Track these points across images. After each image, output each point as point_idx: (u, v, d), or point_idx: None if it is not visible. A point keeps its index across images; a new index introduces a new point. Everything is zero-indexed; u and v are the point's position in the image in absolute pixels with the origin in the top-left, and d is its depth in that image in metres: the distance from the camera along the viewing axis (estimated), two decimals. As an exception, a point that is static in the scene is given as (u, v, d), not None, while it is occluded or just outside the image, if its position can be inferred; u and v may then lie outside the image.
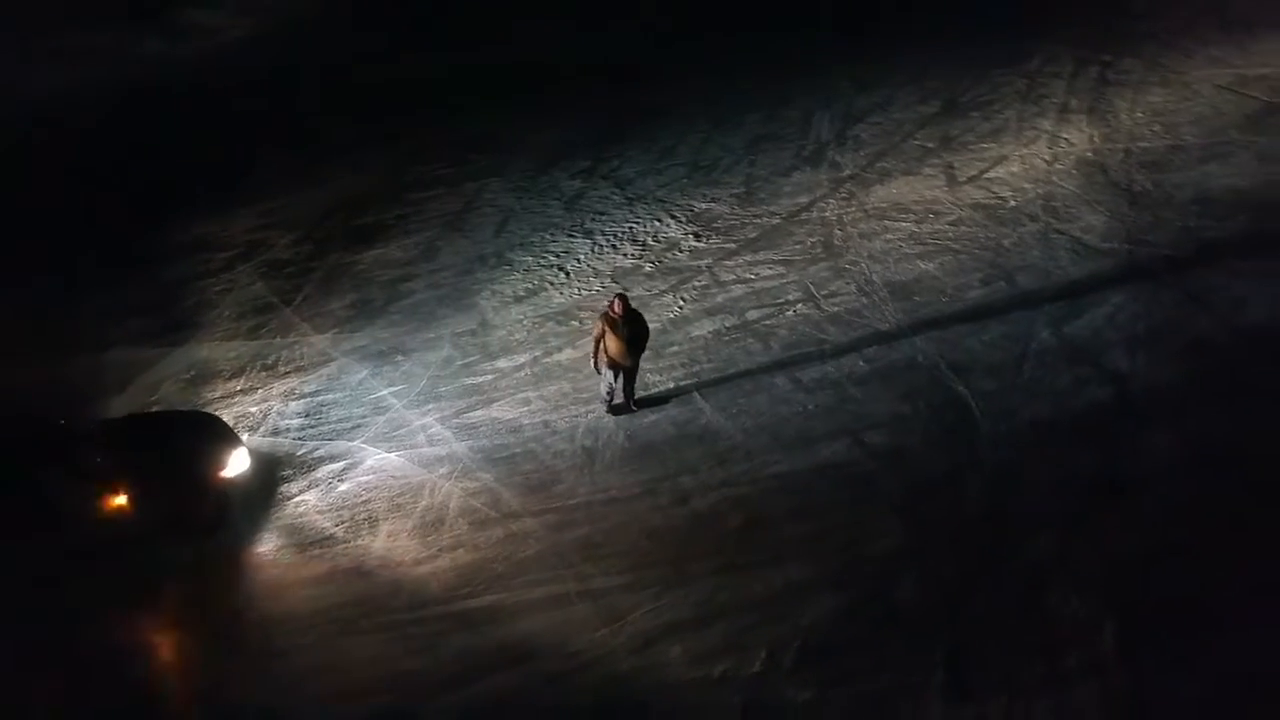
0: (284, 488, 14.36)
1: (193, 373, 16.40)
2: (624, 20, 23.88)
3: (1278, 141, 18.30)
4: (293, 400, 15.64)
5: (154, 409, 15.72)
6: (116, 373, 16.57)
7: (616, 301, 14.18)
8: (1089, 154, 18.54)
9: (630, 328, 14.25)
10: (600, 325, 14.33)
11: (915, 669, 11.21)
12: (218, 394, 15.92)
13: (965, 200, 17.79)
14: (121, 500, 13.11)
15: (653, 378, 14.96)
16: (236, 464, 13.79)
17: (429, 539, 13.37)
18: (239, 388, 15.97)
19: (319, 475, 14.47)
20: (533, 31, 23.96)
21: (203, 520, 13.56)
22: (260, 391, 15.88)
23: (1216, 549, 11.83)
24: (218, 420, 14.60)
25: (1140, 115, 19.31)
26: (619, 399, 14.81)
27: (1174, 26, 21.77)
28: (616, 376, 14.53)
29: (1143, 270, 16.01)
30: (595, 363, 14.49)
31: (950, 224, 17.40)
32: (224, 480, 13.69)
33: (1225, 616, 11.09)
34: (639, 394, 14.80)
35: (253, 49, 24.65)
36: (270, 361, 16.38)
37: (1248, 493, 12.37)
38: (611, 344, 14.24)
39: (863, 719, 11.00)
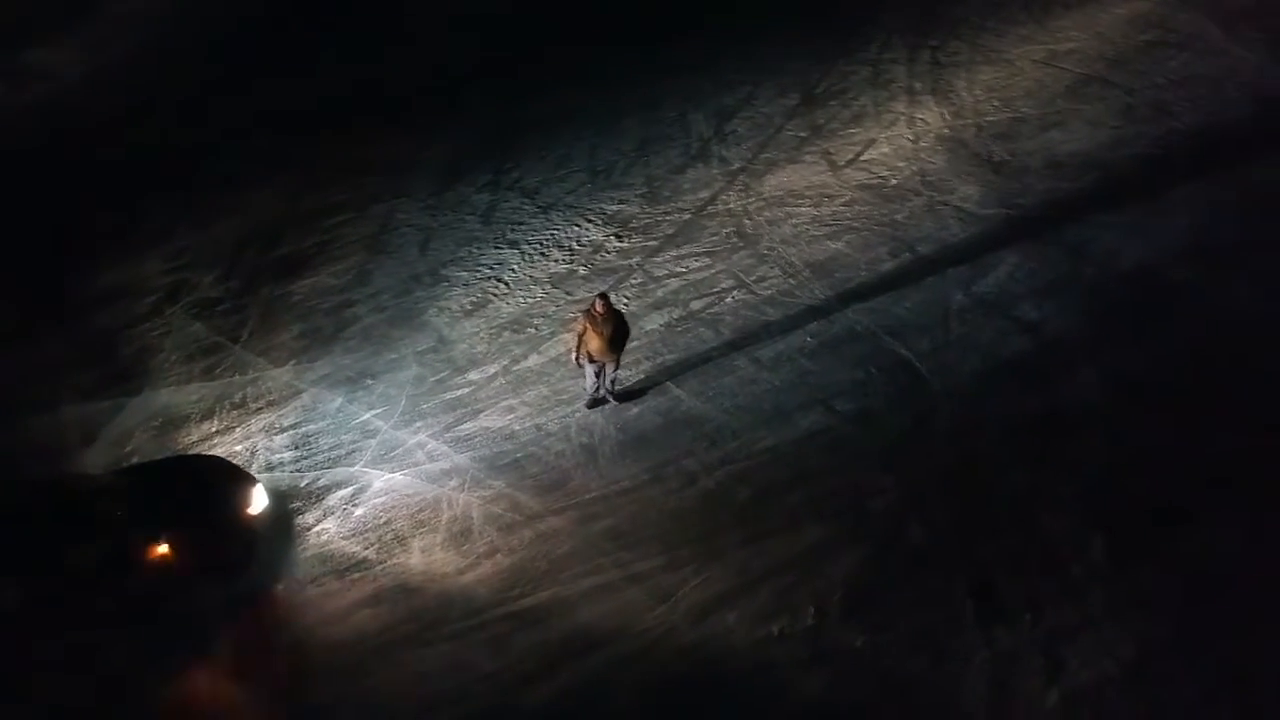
0: (299, 520, 14.77)
1: (160, 420, 16.59)
2: (485, 37, 24.54)
3: (1099, 108, 20.62)
4: (276, 435, 16.09)
5: (134, 459, 15.82)
6: (76, 428, 16.63)
7: (598, 301, 15.20)
8: (945, 131, 20.51)
9: (610, 326, 15.18)
10: (582, 323, 15.31)
11: (947, 602, 12.85)
12: (194, 437, 16.21)
13: (850, 182, 19.53)
14: (161, 549, 13.37)
15: (623, 373, 16.12)
16: (258, 501, 14.27)
17: (463, 549, 14.20)
18: (215, 429, 16.29)
19: (331, 504, 15.05)
20: (397, 52, 24.31)
21: (236, 560, 13.97)
22: (239, 430, 16.23)
23: (1166, 459, 13.99)
24: (226, 461, 15.01)
25: (979, 93, 21.42)
26: (601, 392, 15.84)
27: (983, 9, 23.95)
28: (598, 373, 15.47)
29: (1023, 231, 18.08)
30: (576, 357, 15.44)
31: (844, 205, 19.09)
32: (250, 518, 14.15)
33: (1192, 511, 13.07)
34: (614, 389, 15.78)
35: (100, 88, 24.30)
36: (237, 400, 16.70)
37: (1173, 411, 14.54)
38: (593, 341, 15.24)
39: (916, 653, 12.44)
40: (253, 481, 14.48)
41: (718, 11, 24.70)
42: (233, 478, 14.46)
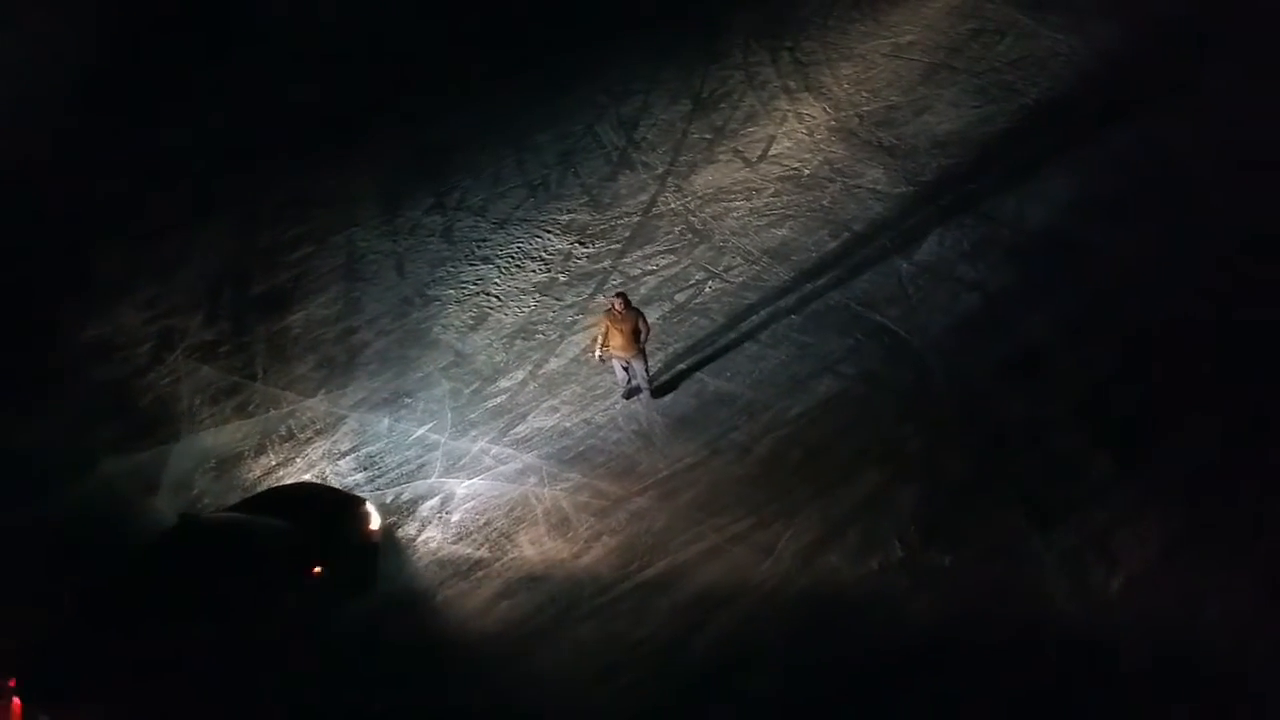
0: (400, 533, 16.24)
1: (214, 461, 17.41)
2: (375, 69, 25.75)
3: (955, 91, 23.91)
4: (339, 460, 17.29)
5: (206, 500, 16.75)
6: (128, 482, 17.29)
7: (617, 300, 16.89)
8: (833, 123, 23.38)
9: (630, 323, 16.88)
10: (603, 322, 16.98)
11: (1002, 519, 15.56)
12: (256, 473, 17.22)
13: (770, 176, 22.08)
14: (315, 571, 14.67)
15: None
16: (374, 518, 15.71)
17: (568, 536, 15.98)
18: (274, 462, 17.31)
19: (424, 514, 16.47)
20: (294, 87, 25.14)
21: (369, 576, 15.40)
22: (299, 460, 17.34)
23: (1124, 381, 17.02)
24: (328, 485, 16.24)
25: (847, 87, 24.39)
26: (638, 383, 17.60)
27: (819, 10, 26.88)
28: (625, 367, 17.41)
29: (935, 204, 20.94)
30: (600, 355, 17.11)
31: (772, 196, 21.62)
32: (372, 534, 15.58)
33: (1171, 418, 16.31)
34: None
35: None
36: (284, 433, 17.76)
37: (1112, 341, 17.71)
38: (615, 339, 16.91)
39: (996, 563, 15.13)
40: (362, 500, 15.65)
41: (591, 29, 26.68)
42: (345, 499, 15.57)
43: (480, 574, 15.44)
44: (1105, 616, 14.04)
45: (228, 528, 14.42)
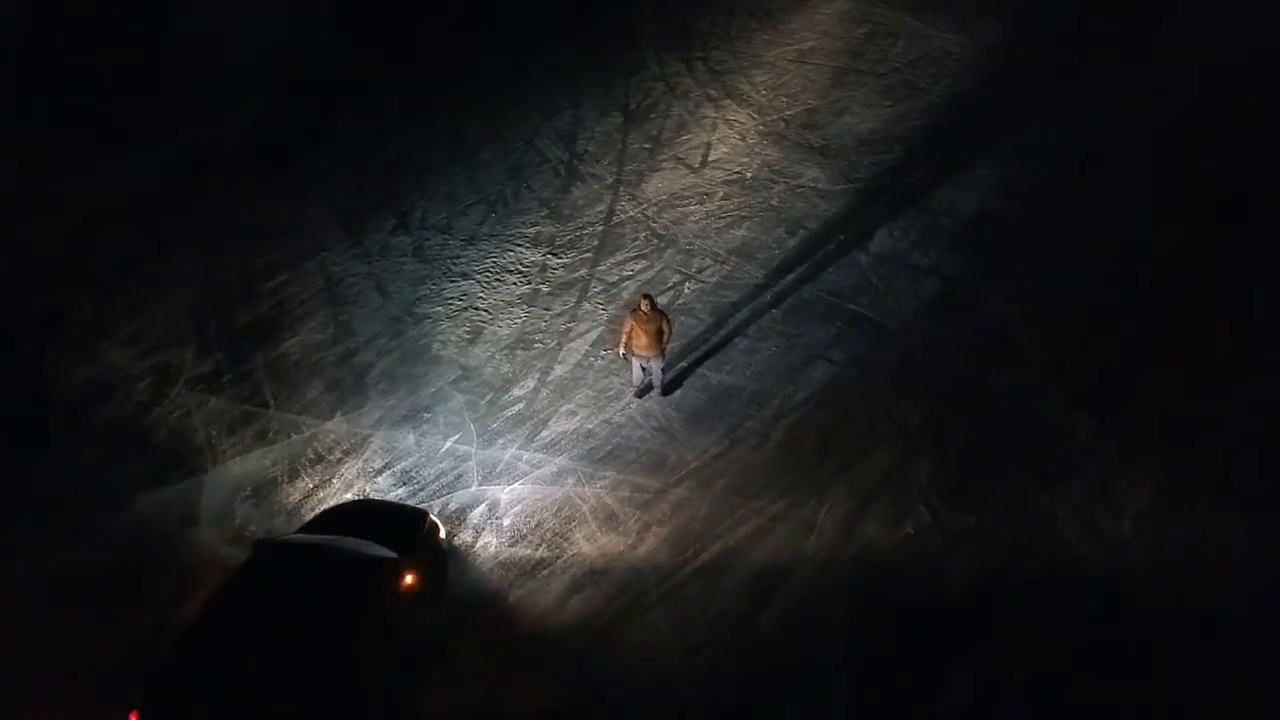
0: (457, 541, 17.16)
1: (249, 489, 17.82)
2: (304, 92, 26.17)
3: (866, 92, 25.83)
4: (375, 477, 17.96)
5: (252, 528, 17.26)
6: (165, 516, 17.63)
7: (644, 302, 17.94)
8: (761, 127, 25.02)
9: (655, 324, 18.01)
10: (629, 322, 18.05)
11: (1011, 479, 17.37)
12: (296, 496, 17.75)
13: (715, 180, 23.55)
14: (408, 582, 15.50)
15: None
16: (442, 529, 16.61)
17: (620, 530, 17.11)
18: (312, 485, 17.86)
19: (474, 521, 17.34)
20: (224, 117, 25.42)
21: (442, 584, 16.30)
22: (336, 481, 17.96)
23: (1087, 343, 19.09)
24: (387, 501, 17.00)
25: (765, 93, 26.04)
26: (650, 380, 18.65)
27: (719, 20, 28.38)
28: (644, 366, 18.61)
29: (875, 198, 22.74)
30: (624, 353, 18.20)
31: (723, 200, 23.11)
32: (441, 544, 16.48)
33: (1133, 376, 18.44)
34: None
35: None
36: (312, 456, 18.33)
37: (1061, 309, 19.76)
38: (640, 339, 17.98)
39: (1016, 519, 16.88)
40: (427, 512, 16.45)
41: (508, 46, 27.65)
42: (412, 511, 16.31)
43: (545, 572, 16.26)
44: (1120, 559, 15.80)
45: (314, 549, 14.81)
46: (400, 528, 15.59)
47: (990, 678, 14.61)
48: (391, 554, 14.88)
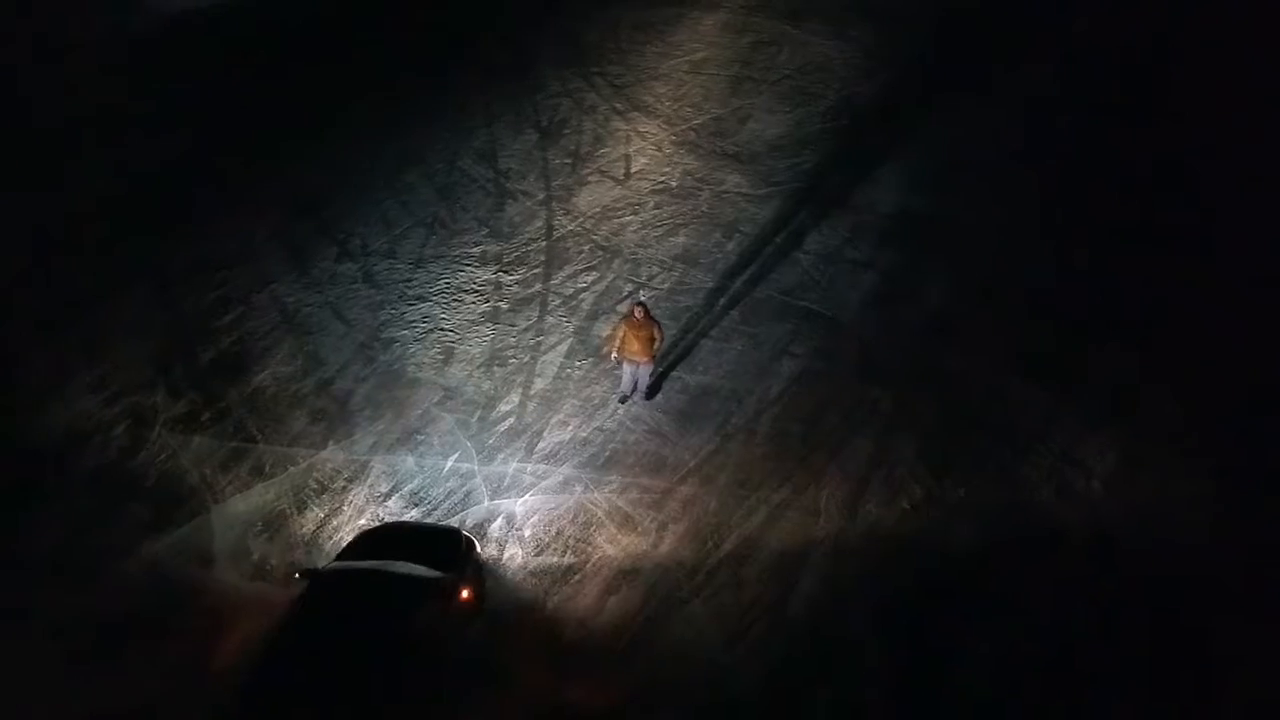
0: (484, 555, 17.80)
1: (259, 524, 18.00)
2: (205, 126, 26.06)
3: (764, 99, 27.08)
4: (385, 501, 18.31)
5: (272, 562, 17.58)
6: (177, 558, 17.72)
7: (637, 308, 18.68)
8: (673, 137, 26.12)
9: (648, 330, 18.75)
10: (622, 327, 18.78)
11: (989, 452, 18.92)
12: (310, 527, 17.99)
13: (643, 190, 24.56)
14: (464, 595, 16.14)
15: (617, 371, 20.30)
16: (477, 544, 17.28)
17: (639, 530, 17.96)
18: (323, 514, 18.10)
19: (495, 535, 17.88)
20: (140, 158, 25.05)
21: (482, 597, 16.98)
22: (346, 508, 18.30)
23: (1027, 320, 20.75)
24: (416, 521, 17.51)
25: (669, 104, 27.15)
26: (638, 389, 19.44)
27: (607, 36, 29.05)
28: (634, 374, 19.49)
29: (798, 199, 23.94)
30: (614, 356, 18.91)
31: (655, 209, 24.11)
32: (479, 558, 17.15)
33: (1077, 348, 20.14)
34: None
35: None
36: (314, 486, 18.61)
37: (1005, 290, 21.42)
38: (632, 344, 18.68)
39: (1001, 487, 18.36)
40: (458, 529, 17.01)
41: (405, 69, 28.03)
42: (447, 529, 16.79)
43: (576, 578, 16.95)
44: (1098, 515, 17.44)
45: (371, 574, 15.17)
46: (440, 546, 16.02)
47: (1008, 633, 15.86)
48: (443, 573, 15.20)
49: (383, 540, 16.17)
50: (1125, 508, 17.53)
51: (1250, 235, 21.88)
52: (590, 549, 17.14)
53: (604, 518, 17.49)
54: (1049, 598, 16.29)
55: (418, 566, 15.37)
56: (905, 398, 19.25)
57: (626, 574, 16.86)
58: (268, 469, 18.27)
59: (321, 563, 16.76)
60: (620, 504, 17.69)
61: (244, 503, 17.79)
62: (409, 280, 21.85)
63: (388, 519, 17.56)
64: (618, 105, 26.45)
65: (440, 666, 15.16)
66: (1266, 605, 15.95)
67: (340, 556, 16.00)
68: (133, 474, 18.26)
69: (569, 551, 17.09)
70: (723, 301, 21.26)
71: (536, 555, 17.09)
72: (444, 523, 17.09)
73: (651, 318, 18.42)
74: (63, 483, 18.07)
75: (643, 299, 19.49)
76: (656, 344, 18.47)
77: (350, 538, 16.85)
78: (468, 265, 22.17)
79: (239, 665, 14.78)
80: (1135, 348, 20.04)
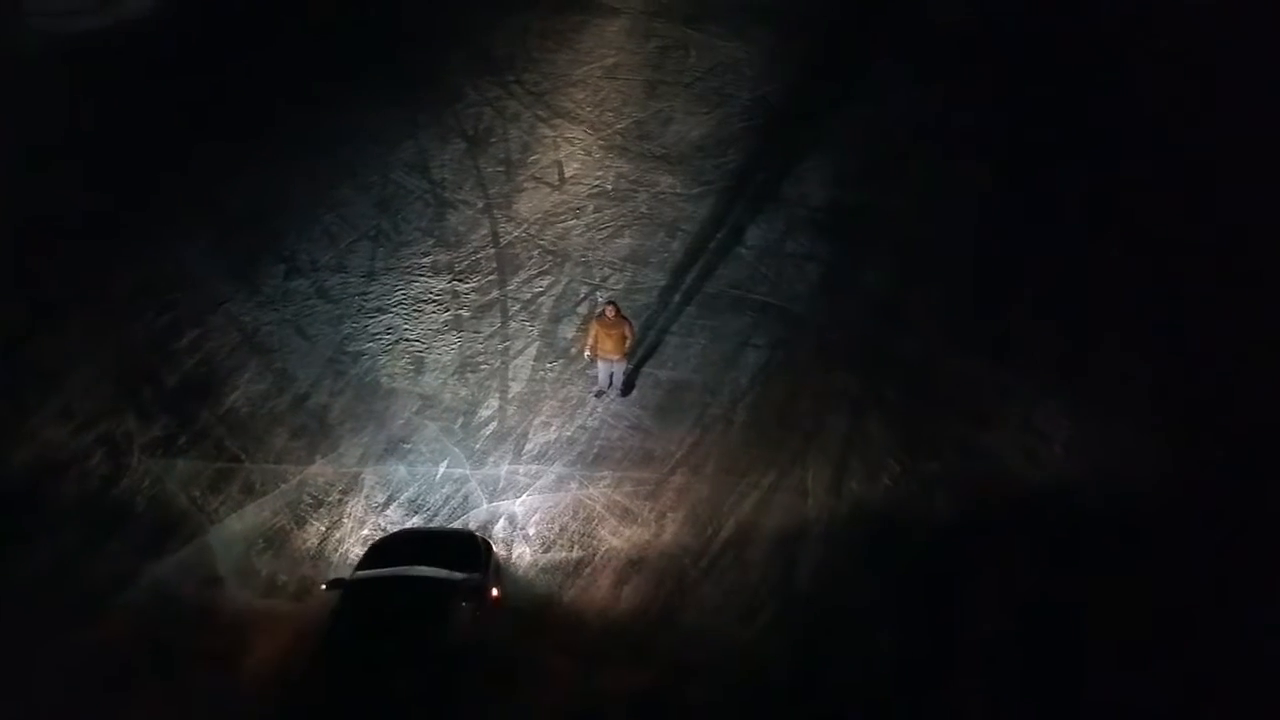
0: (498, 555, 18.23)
1: (260, 542, 18.06)
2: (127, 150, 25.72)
3: (682, 101, 27.65)
4: (384, 511, 18.44)
5: (283, 577, 17.85)
6: (182, 581, 17.74)
7: (609, 308, 19.17)
8: (601, 142, 26.77)
9: (619, 329, 19.30)
10: (594, 326, 19.35)
11: (952, 426, 19.98)
12: (314, 540, 18.17)
13: (581, 195, 25.10)
14: (494, 595, 16.67)
15: (590, 371, 20.97)
16: (494, 545, 17.75)
17: (639, 521, 18.55)
18: (324, 527, 18.24)
19: (500, 535, 18.15)
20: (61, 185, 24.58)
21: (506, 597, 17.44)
22: (346, 520, 18.46)
23: (969, 300, 21.84)
24: (432, 527, 17.86)
25: (589, 110, 27.68)
26: (614, 385, 19.97)
27: (515, 43, 29.46)
28: (610, 371, 20.14)
29: (731, 196, 24.60)
30: (588, 355, 19.48)
31: (595, 212, 24.69)
32: (498, 558, 17.65)
33: (1019, 324, 21.34)
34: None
35: None
36: (309, 501, 18.71)
37: (942, 273, 22.50)
38: (605, 343, 19.21)
39: (974, 460, 19.50)
40: (473, 533, 17.44)
41: (319, 82, 27.92)
42: (461, 533, 17.21)
43: (588, 570, 17.50)
44: (1061, 476, 18.71)
45: (405, 581, 15.48)
46: (461, 549, 16.37)
47: (1002, 590, 16.96)
48: (473, 575, 15.60)
49: (401, 547, 16.39)
50: (1088, 474, 18.46)
51: (1161, 196, 23.62)
52: (596, 542, 17.59)
53: (603, 512, 17.95)
54: (1032, 557, 17.06)
55: (444, 570, 15.51)
56: (867, 380, 20.17)
57: (635, 563, 17.38)
58: (258, 487, 18.28)
59: (332, 574, 16.68)
60: (617, 498, 18.18)
61: (240, 522, 17.80)
62: (364, 293, 21.95)
63: (390, 528, 17.64)
64: (540, 112, 26.84)
65: (476, 665, 15.26)
66: (1226, 545, 17.12)
67: (360, 566, 16.12)
68: (118, 501, 18.15)
69: (575, 546, 17.51)
70: (677, 298, 21.92)
71: (545, 552, 17.47)
72: (457, 527, 17.12)
73: (623, 316, 19.02)
74: (45, 515, 17.58)
75: (613, 299, 19.88)
76: (629, 342, 18.92)
77: (362, 548, 16.82)
78: (421, 275, 22.35)
79: (282, 680, 14.69)
80: (1070, 318, 21.29)
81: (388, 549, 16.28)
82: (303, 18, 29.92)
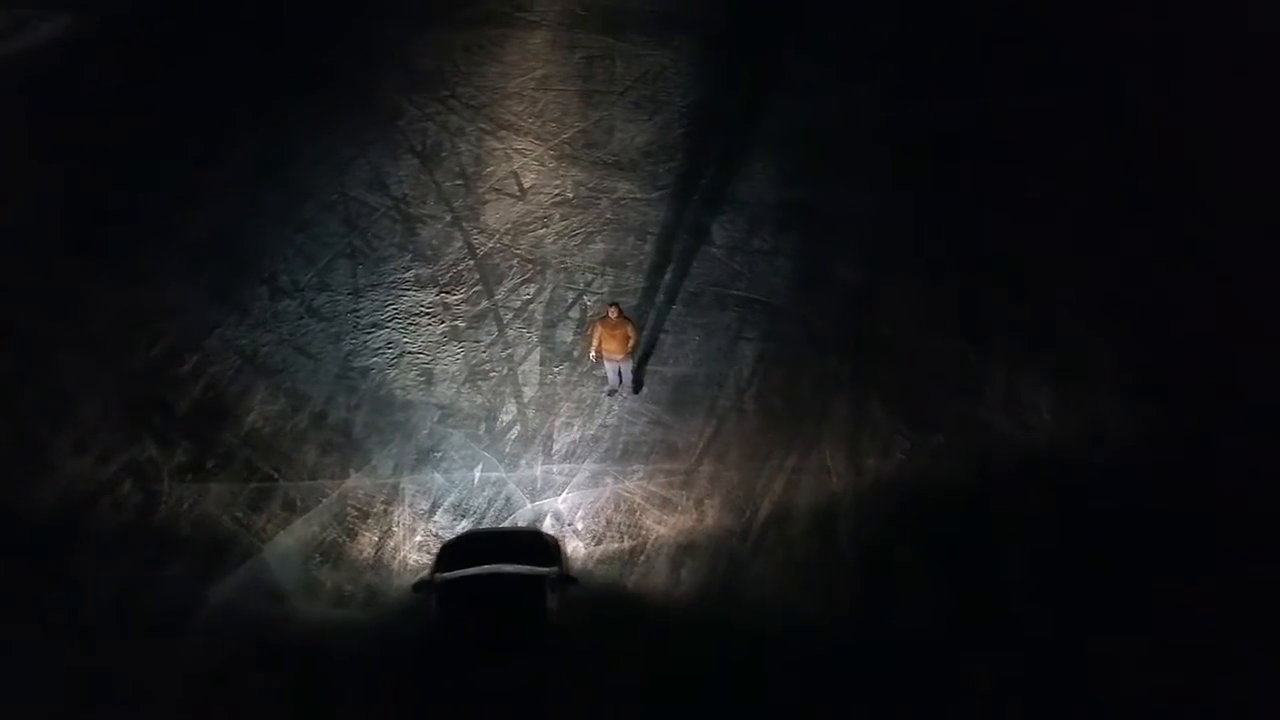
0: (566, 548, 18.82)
1: (316, 557, 18.47)
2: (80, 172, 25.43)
3: (621, 110, 27.88)
4: (431, 518, 18.93)
5: (348, 589, 18.33)
6: (246, 599, 18.10)
7: (611, 309, 19.86)
8: (551, 152, 27.28)
9: (623, 330, 20.03)
10: (597, 328, 20.08)
11: (948, 402, 21.43)
12: (370, 550, 18.57)
13: (544, 204, 25.74)
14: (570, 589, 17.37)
15: (598, 372, 21.93)
16: (561, 539, 18.46)
17: (679, 509, 19.37)
18: (375, 538, 18.62)
19: (549, 532, 19.42)
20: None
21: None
22: (396, 530, 18.80)
23: (939, 287, 23.14)
24: (500, 527, 18.45)
25: (531, 120, 28.11)
26: (624, 383, 20.64)
27: (446, 58, 29.90)
28: (618, 370, 21.15)
29: (686, 199, 25.37)
30: (593, 356, 20.17)
31: (562, 220, 25.28)
32: (564, 550, 18.38)
33: (990, 307, 22.87)
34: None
35: None
36: (355, 513, 18.95)
37: (908, 263, 23.80)
38: (609, 343, 19.88)
39: (967, 432, 20.93)
40: (540, 529, 18.13)
41: (250, 105, 27.90)
42: (527, 530, 17.86)
43: (642, 558, 18.29)
44: (1050, 438, 20.28)
45: (497, 579, 16.05)
46: (533, 545, 16.99)
47: (1029, 544, 18.36)
48: (553, 569, 16.32)
49: (475, 547, 16.85)
50: (1076, 437, 19.98)
51: (1114, 169, 25.34)
52: (643, 532, 18.36)
53: (644, 503, 18.72)
54: (1046, 511, 18.64)
55: (528, 566, 16.11)
56: (859, 364, 21.31)
57: (686, 548, 18.19)
58: (299, 503, 18.51)
59: (395, 581, 17.12)
60: (653, 489, 18.97)
61: (289, 538, 18.03)
62: (355, 310, 22.22)
63: (442, 533, 18.09)
64: (483, 125, 27.38)
65: (565, 654, 15.92)
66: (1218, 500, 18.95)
67: (438, 568, 16.54)
68: (160, 528, 18.13)
69: (625, 537, 18.25)
70: (661, 298, 22.79)
71: (597, 545, 18.15)
72: (524, 525, 17.68)
73: (625, 316, 19.84)
74: (93, 549, 17.54)
75: (615, 300, 20.64)
76: (632, 341, 19.77)
77: (419, 554, 17.48)
78: (407, 290, 22.72)
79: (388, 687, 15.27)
80: (1032, 296, 22.77)
81: (463, 550, 16.68)
82: (204, 55, 29.57)
